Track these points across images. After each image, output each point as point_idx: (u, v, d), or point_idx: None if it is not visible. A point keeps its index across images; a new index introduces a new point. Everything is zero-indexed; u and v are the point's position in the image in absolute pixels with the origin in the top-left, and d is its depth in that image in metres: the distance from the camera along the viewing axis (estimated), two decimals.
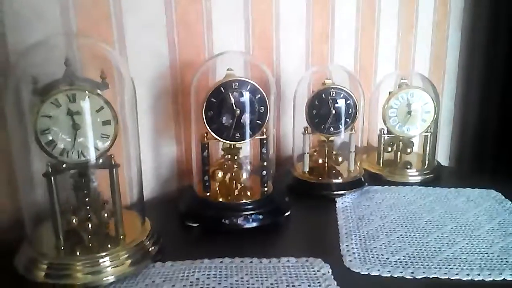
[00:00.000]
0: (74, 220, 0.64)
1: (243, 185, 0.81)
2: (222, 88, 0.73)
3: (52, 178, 0.59)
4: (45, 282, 0.58)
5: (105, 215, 0.65)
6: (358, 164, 0.95)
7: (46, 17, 0.70)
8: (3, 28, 0.66)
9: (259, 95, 0.74)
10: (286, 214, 0.79)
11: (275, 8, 1.04)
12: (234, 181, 0.80)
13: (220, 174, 0.79)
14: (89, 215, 0.65)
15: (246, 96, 0.74)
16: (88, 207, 0.65)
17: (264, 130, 0.77)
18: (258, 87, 0.74)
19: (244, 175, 0.80)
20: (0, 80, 0.66)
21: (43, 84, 0.58)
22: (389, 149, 1.03)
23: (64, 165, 0.60)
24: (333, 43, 1.20)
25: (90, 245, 0.63)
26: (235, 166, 0.80)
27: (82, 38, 0.72)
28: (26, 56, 0.63)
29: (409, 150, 1.02)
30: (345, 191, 0.89)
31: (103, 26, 0.77)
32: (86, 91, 0.58)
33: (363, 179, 0.93)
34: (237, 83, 0.73)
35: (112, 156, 0.62)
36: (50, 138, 0.58)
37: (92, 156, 0.60)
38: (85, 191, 0.65)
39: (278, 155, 1.09)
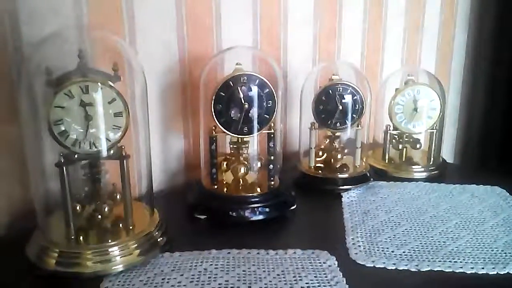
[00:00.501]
0: (84, 210, 0.65)
1: (250, 178, 0.82)
2: (231, 82, 0.74)
3: (64, 168, 0.60)
4: (56, 270, 0.59)
5: (115, 205, 0.67)
6: (364, 160, 0.96)
7: (59, 10, 0.71)
8: (17, 21, 0.67)
9: (267, 90, 0.75)
10: (292, 207, 0.80)
11: (283, 5, 1.05)
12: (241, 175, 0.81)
13: (227, 167, 0.80)
14: (100, 205, 0.66)
15: (254, 91, 0.74)
16: (98, 197, 0.66)
17: (272, 125, 0.78)
18: (266, 81, 0.75)
19: (251, 169, 0.81)
20: (13, 72, 0.68)
21: (56, 75, 0.59)
22: (396, 145, 1.04)
23: (76, 156, 0.61)
24: (340, 40, 1.21)
25: (100, 234, 0.64)
26: (242, 159, 0.81)
27: (94, 30, 0.73)
28: (39, 48, 0.64)
29: (415, 147, 1.03)
30: (350, 186, 0.90)
31: (115, 19, 0.78)
32: (99, 83, 0.59)
33: (368, 175, 0.93)
34: (245, 78, 0.74)
35: (123, 147, 0.63)
36: (63, 128, 0.59)
37: (103, 147, 0.61)
38: (96, 182, 0.66)
39: (285, 150, 1.10)
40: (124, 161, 0.63)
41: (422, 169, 1.00)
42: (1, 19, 0.66)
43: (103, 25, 0.76)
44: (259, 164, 0.83)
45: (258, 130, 0.77)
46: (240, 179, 0.81)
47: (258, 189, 0.79)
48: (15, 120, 0.69)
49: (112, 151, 0.63)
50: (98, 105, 0.60)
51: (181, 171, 0.95)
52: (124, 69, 0.65)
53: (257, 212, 0.75)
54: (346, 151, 0.96)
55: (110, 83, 0.60)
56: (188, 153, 0.95)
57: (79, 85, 0.58)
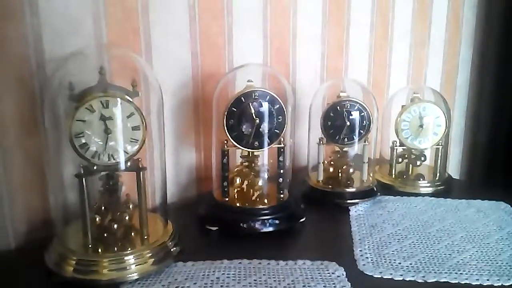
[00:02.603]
0: (101, 220, 0.68)
1: (260, 191, 0.84)
2: (243, 98, 0.77)
3: (84, 179, 0.63)
4: (73, 277, 0.61)
5: (130, 216, 0.69)
6: (371, 174, 0.98)
7: (80, 30, 0.75)
8: (40, 39, 0.71)
9: (278, 105, 0.78)
10: (302, 220, 0.82)
11: (293, 24, 1.08)
12: (251, 188, 0.84)
13: (239, 181, 0.82)
14: (116, 216, 0.68)
15: (265, 106, 0.77)
16: (115, 208, 0.68)
17: (282, 139, 0.80)
18: (277, 97, 0.78)
19: (261, 182, 0.83)
20: (36, 88, 0.71)
21: (78, 90, 0.62)
22: (401, 161, 1.06)
23: (95, 167, 0.64)
24: (347, 58, 1.24)
25: (116, 243, 0.67)
26: (253, 173, 0.83)
27: (114, 48, 0.76)
28: (62, 65, 0.68)
29: (420, 163, 1.05)
30: (358, 200, 0.92)
31: (132, 38, 0.81)
32: (118, 98, 0.62)
33: (375, 189, 0.95)
34: (257, 94, 0.77)
35: (140, 160, 0.65)
36: (84, 141, 0.62)
37: (121, 159, 0.64)
38: (113, 193, 0.68)
39: (294, 165, 1.12)
40: (141, 173, 0.66)
41: (428, 184, 1.01)
42: (25, 37, 0.69)
43: (121, 43, 0.79)
44: (266, 180, 0.84)
45: (269, 145, 0.79)
46: (251, 192, 0.83)
47: (268, 202, 0.81)
48: (35, 133, 0.72)
49: (129, 163, 0.65)
50: (117, 119, 0.62)
51: (192, 184, 0.97)
52: (142, 85, 0.68)
53: (267, 224, 0.77)
54: (353, 166, 0.98)
55: (129, 98, 0.63)
56: (199, 166, 0.97)
57: (100, 100, 0.61)
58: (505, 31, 1.57)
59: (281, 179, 0.82)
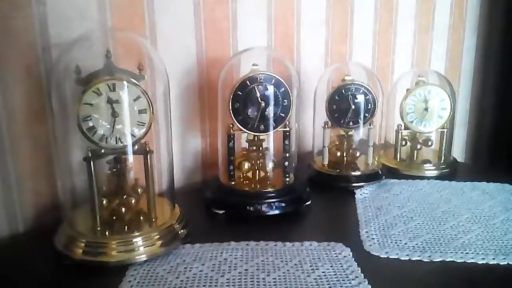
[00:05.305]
0: (109, 203, 0.68)
1: (266, 175, 0.84)
2: (248, 82, 0.77)
3: (92, 162, 0.63)
4: (82, 258, 0.62)
5: (138, 199, 0.70)
6: (376, 158, 0.98)
7: (85, 15, 0.75)
8: (46, 24, 0.71)
9: (283, 89, 0.78)
10: (307, 203, 0.82)
11: (297, 9, 1.08)
12: (257, 171, 0.84)
13: (245, 165, 0.83)
14: (124, 199, 0.69)
15: (270, 90, 0.77)
16: (123, 191, 0.69)
17: (287, 123, 0.80)
18: (282, 81, 0.77)
19: (267, 166, 0.84)
20: (42, 73, 0.71)
21: (85, 74, 0.62)
22: (406, 144, 1.06)
23: (102, 150, 0.64)
24: (352, 42, 1.23)
25: (124, 226, 0.67)
26: (258, 157, 0.84)
27: (119, 32, 0.76)
28: (68, 49, 0.68)
29: (427, 145, 1.05)
30: (363, 183, 0.92)
31: (137, 23, 0.81)
32: (125, 81, 0.62)
33: (380, 172, 0.95)
34: (262, 77, 0.77)
35: (147, 143, 0.66)
36: (91, 124, 0.62)
37: (128, 142, 0.64)
38: (121, 176, 0.69)
39: (299, 150, 1.12)
40: (148, 156, 0.66)
41: (433, 168, 1.02)
42: (31, 22, 0.69)
43: (126, 28, 0.79)
44: (272, 164, 0.85)
45: (274, 128, 0.79)
46: (257, 176, 0.84)
47: (274, 185, 0.82)
48: (43, 119, 0.72)
49: (136, 147, 0.66)
50: (124, 102, 0.63)
51: (198, 169, 0.97)
52: (149, 68, 0.68)
53: (274, 207, 0.78)
54: (358, 149, 0.98)
55: (135, 81, 0.63)
56: (204, 151, 0.98)
57: (107, 83, 0.61)
58: (510, 17, 1.56)
59: (286, 163, 0.82)
